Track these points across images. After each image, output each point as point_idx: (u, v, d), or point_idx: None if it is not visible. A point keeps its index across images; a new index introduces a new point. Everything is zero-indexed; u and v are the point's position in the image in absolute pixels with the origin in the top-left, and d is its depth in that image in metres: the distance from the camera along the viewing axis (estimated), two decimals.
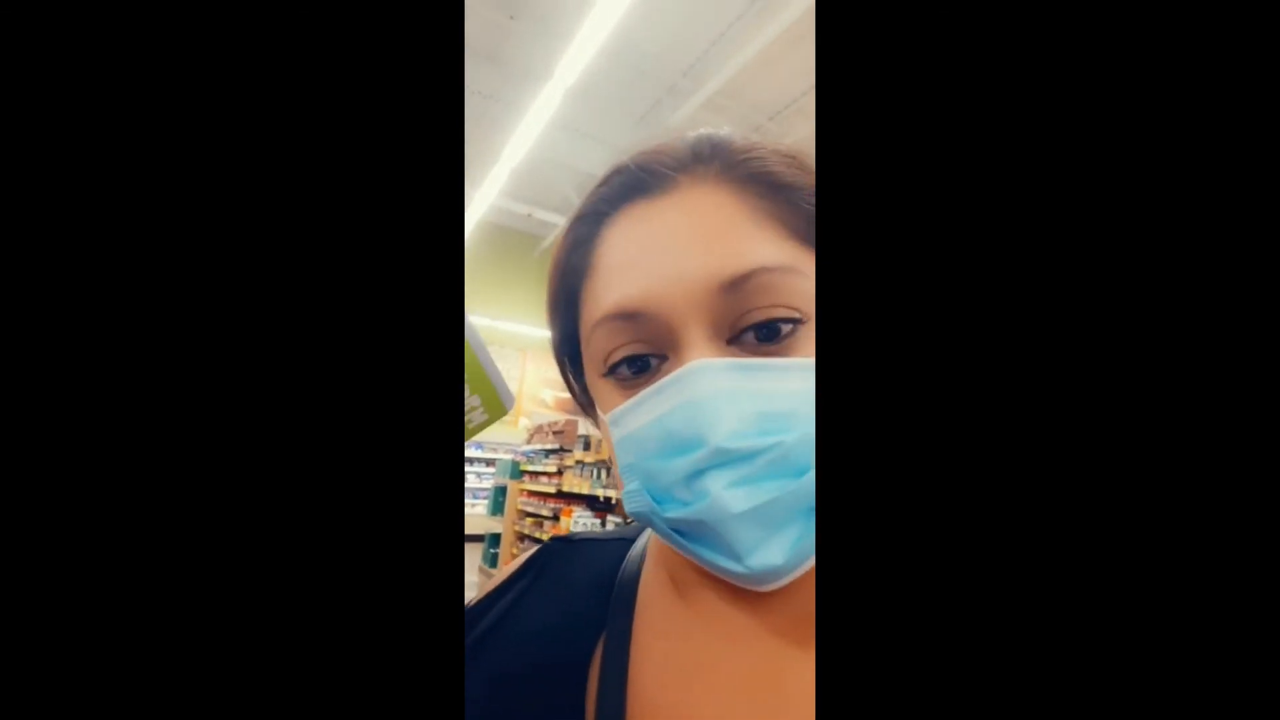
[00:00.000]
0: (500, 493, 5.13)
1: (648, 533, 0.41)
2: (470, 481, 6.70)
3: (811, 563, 0.28)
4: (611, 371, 0.32)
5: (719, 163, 0.32)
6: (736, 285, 0.29)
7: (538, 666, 0.35)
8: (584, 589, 0.39)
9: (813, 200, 0.31)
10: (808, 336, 0.29)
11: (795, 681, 0.31)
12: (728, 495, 0.27)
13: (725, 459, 0.27)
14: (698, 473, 0.28)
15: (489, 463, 7.11)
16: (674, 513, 0.29)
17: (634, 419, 0.31)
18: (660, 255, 0.30)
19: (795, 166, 0.32)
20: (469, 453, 6.86)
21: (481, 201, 4.99)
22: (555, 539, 0.45)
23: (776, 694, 0.30)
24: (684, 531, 0.30)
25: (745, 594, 0.32)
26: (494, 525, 5.11)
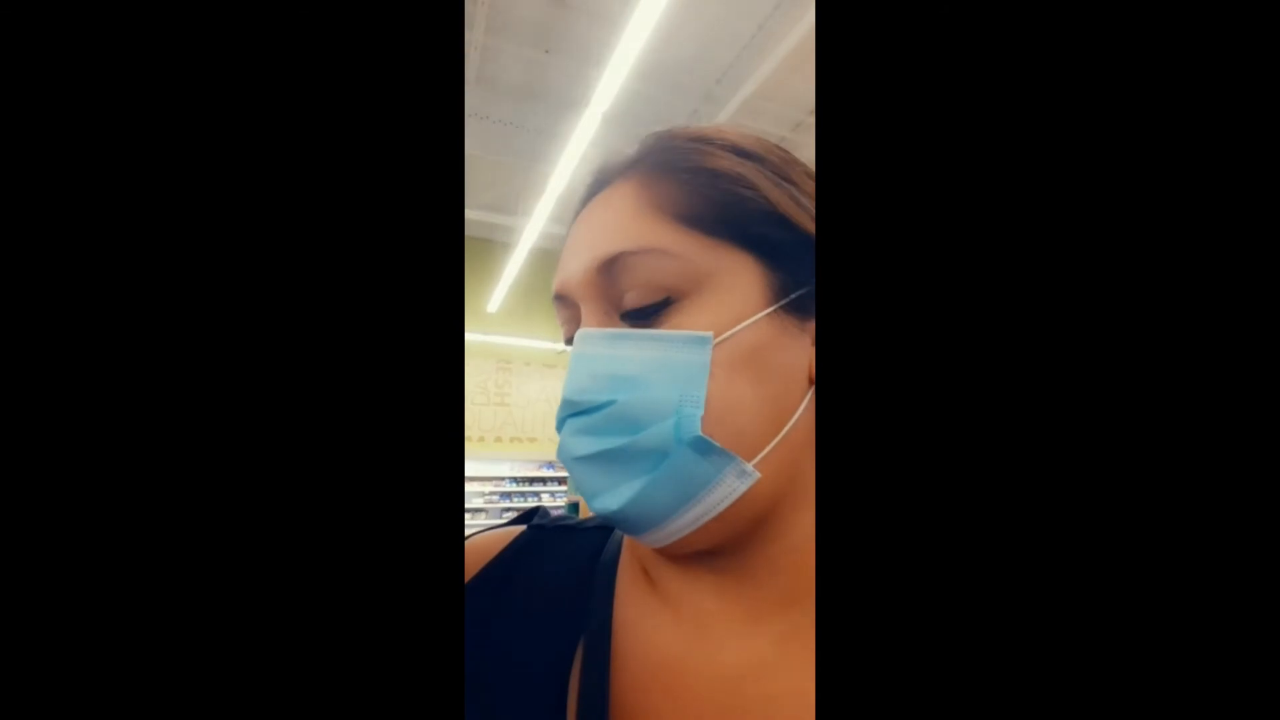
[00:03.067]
0: (574, 509, 5.25)
1: None
2: (545, 500, 6.86)
3: (693, 527, 0.31)
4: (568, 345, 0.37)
5: (644, 160, 0.36)
6: (605, 268, 0.33)
7: (516, 669, 0.35)
8: (560, 584, 0.39)
9: (715, 180, 0.34)
10: (679, 313, 0.32)
11: (775, 675, 0.32)
12: (571, 441, 0.33)
13: (572, 410, 0.33)
14: (560, 422, 0.34)
15: (561, 480, 7.26)
16: (559, 455, 0.35)
17: None
18: (574, 248, 0.36)
19: (703, 151, 0.35)
20: (541, 472, 7.01)
21: (532, 230, 5.17)
22: (532, 526, 0.43)
23: (759, 689, 0.32)
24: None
25: (709, 583, 0.34)
26: None
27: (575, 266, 0.35)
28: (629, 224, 0.34)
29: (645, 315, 0.33)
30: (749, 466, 0.30)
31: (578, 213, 0.38)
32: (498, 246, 6.56)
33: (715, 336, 0.31)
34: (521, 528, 0.44)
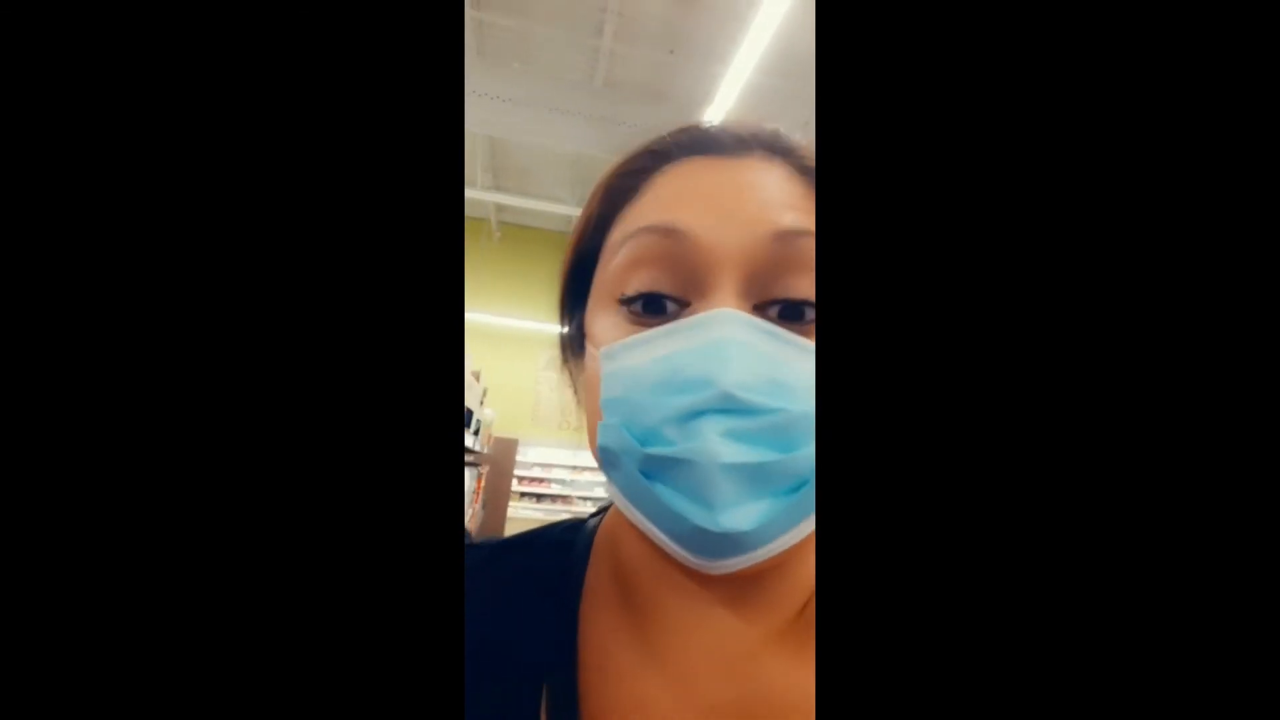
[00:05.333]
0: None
1: (584, 538, 0.37)
2: (588, 490, 6.96)
3: (766, 556, 0.27)
4: (626, 302, 0.30)
5: (779, 152, 0.33)
6: (785, 239, 0.28)
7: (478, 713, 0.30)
8: (511, 622, 0.33)
9: None
10: None
11: (771, 707, 0.30)
12: (719, 443, 0.26)
13: (728, 405, 0.26)
14: (696, 414, 0.27)
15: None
16: (655, 449, 0.28)
17: (637, 354, 0.29)
18: (717, 196, 0.30)
19: None
20: (579, 460, 7.09)
21: None
22: (475, 547, 0.37)
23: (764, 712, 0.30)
24: (654, 473, 0.28)
25: (729, 606, 0.31)
26: None
27: (726, 220, 0.29)
28: (803, 205, 0.30)
29: (797, 317, 0.29)
30: None
31: (673, 156, 0.32)
32: None
33: None
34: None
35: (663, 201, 0.31)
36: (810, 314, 0.29)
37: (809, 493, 0.27)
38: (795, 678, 0.30)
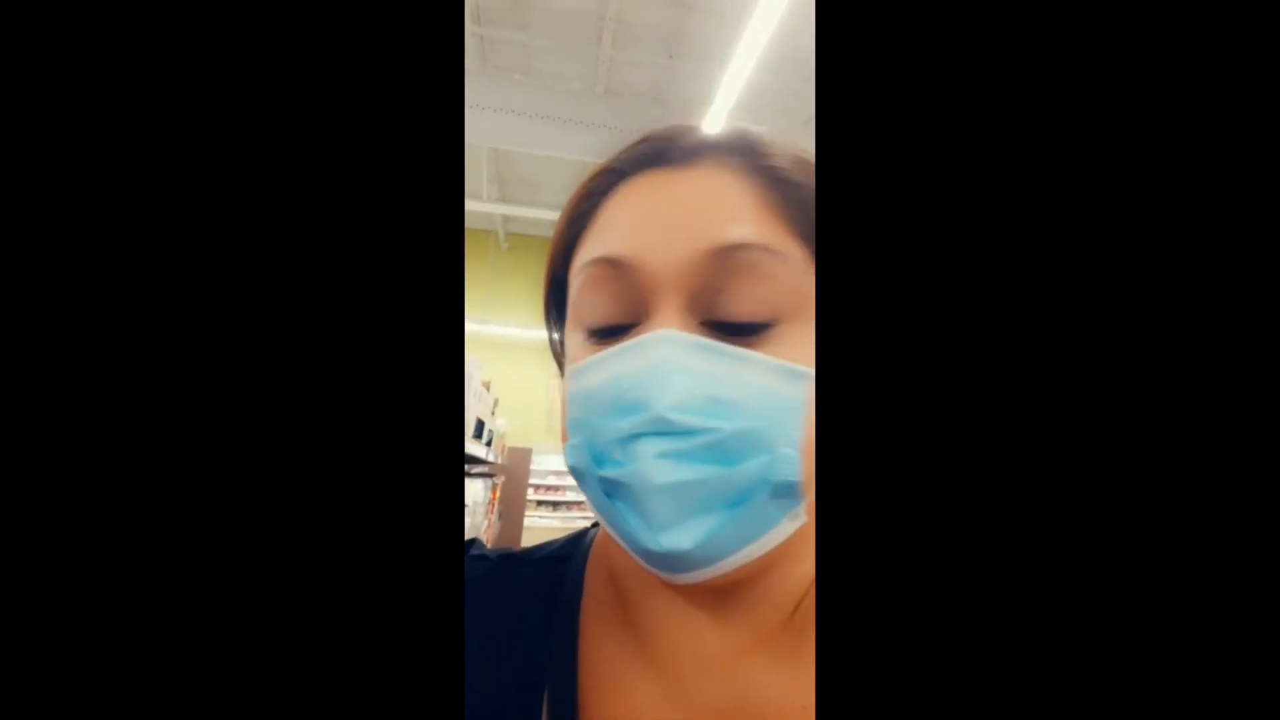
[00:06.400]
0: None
1: (581, 551, 0.38)
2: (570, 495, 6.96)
3: (732, 567, 0.27)
4: (583, 326, 0.32)
5: (740, 154, 0.32)
6: (722, 255, 0.28)
7: None
8: (514, 631, 0.34)
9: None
10: (778, 338, 0.28)
11: (773, 707, 0.30)
12: (655, 464, 0.27)
13: (662, 428, 0.27)
14: (634, 436, 0.28)
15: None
16: (606, 471, 0.29)
17: (592, 375, 0.30)
18: (659, 216, 0.30)
19: (806, 174, 0.31)
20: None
21: None
22: (470, 557, 0.38)
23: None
24: (611, 494, 0.29)
25: (710, 616, 0.31)
26: None
27: (665, 240, 0.29)
28: (751, 215, 0.29)
29: (746, 331, 0.28)
30: (802, 510, 0.28)
31: (629, 172, 0.33)
32: None
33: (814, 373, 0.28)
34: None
35: (609, 228, 0.32)
36: (757, 329, 0.29)
37: (762, 504, 0.28)
38: (783, 685, 0.31)
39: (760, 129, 0.34)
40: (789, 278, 0.29)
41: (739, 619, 0.31)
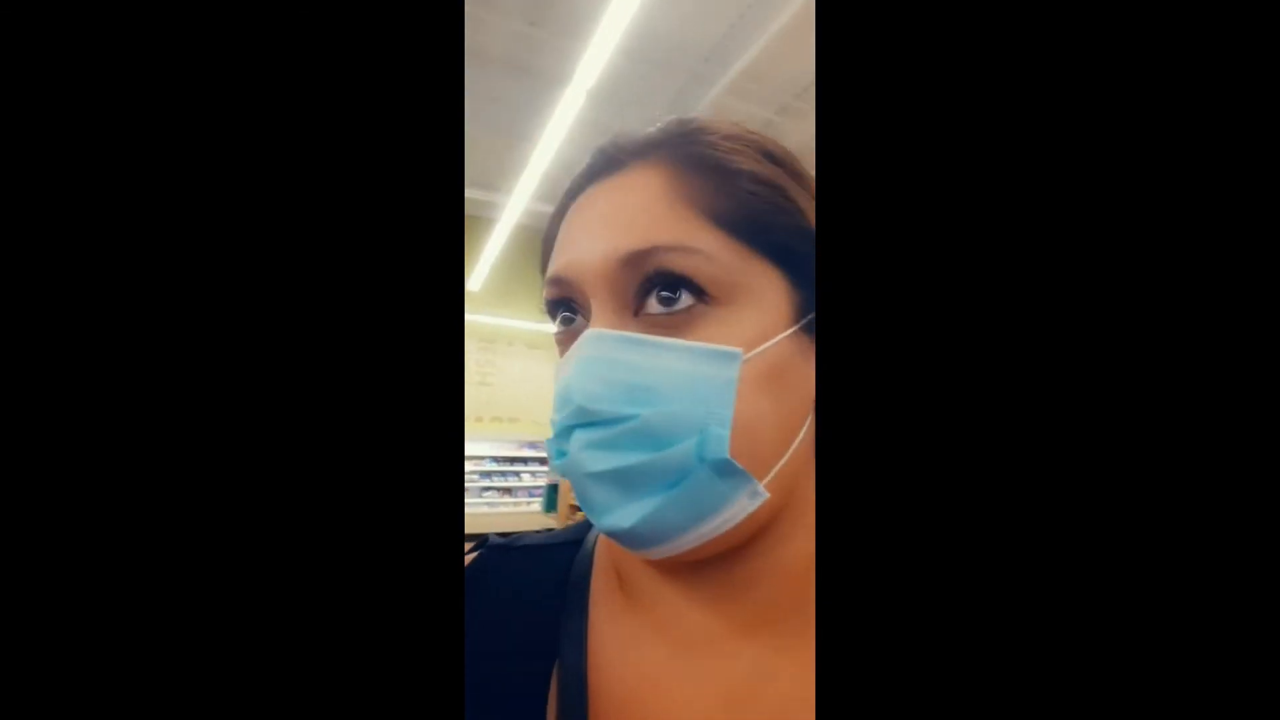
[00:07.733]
0: (553, 490, 5.27)
1: (593, 535, 0.41)
2: (525, 480, 6.89)
3: (698, 542, 0.30)
4: (557, 338, 0.36)
5: (668, 147, 0.34)
6: (632, 262, 0.31)
7: (489, 705, 0.33)
8: (529, 611, 0.37)
9: (753, 185, 0.32)
10: (707, 318, 0.30)
11: (765, 689, 0.32)
12: (584, 455, 0.30)
13: (585, 419, 0.30)
14: (567, 430, 0.31)
15: (542, 460, 7.28)
16: (557, 462, 0.33)
17: (557, 375, 0.34)
18: (586, 233, 0.33)
19: (741, 152, 0.33)
20: (522, 452, 7.02)
21: (514, 208, 5.11)
22: (490, 546, 0.42)
23: (749, 704, 0.32)
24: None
25: (697, 595, 0.34)
26: (549, 522, 5.24)
27: (589, 254, 0.32)
28: (663, 216, 0.31)
29: (672, 323, 0.31)
30: (761, 487, 0.30)
31: (579, 190, 0.36)
32: (481, 223, 6.47)
33: (745, 353, 0.30)
34: (475, 554, 0.42)
35: (559, 250, 0.35)
36: (680, 318, 0.31)
37: (706, 483, 0.29)
38: (786, 664, 0.32)
39: (693, 116, 0.36)
40: (704, 268, 0.31)
41: (735, 595, 0.33)
